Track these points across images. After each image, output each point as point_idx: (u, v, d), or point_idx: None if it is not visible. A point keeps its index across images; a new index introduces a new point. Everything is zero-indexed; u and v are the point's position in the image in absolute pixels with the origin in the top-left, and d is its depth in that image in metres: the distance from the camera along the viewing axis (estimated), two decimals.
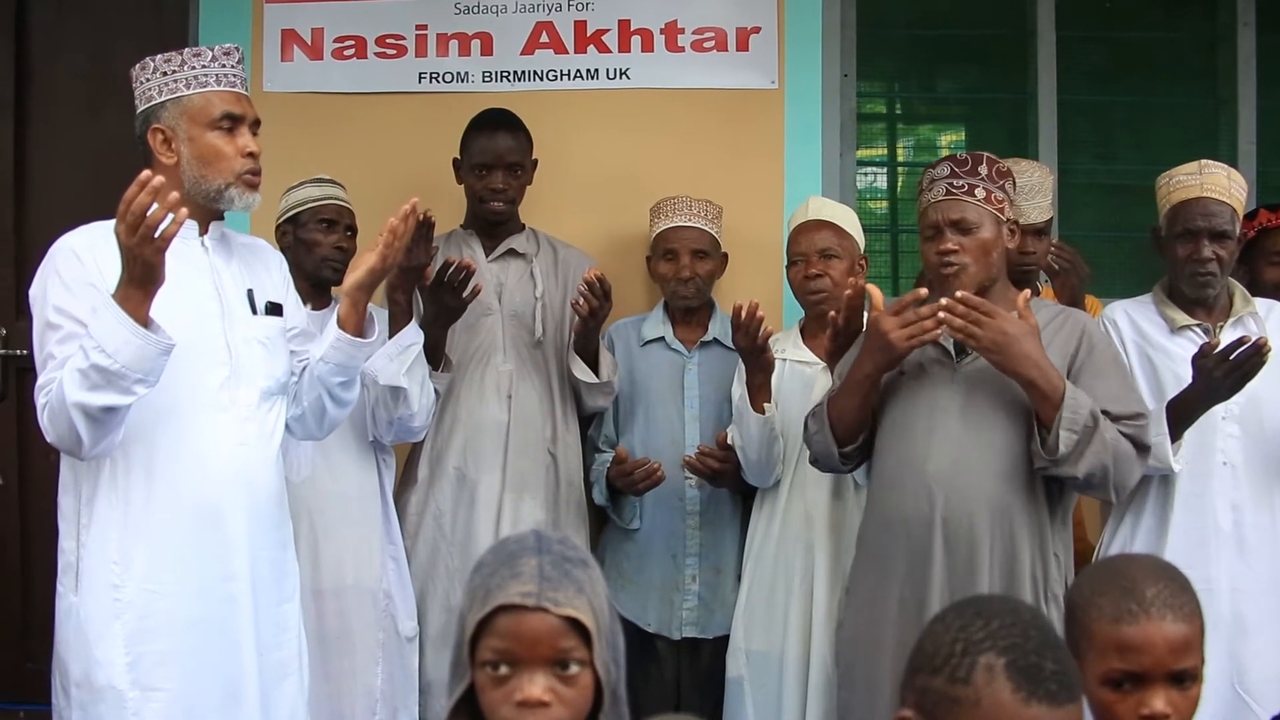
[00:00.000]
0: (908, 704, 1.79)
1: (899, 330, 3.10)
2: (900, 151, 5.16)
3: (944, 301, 3.03)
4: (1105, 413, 3.04)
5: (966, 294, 3.03)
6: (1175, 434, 3.38)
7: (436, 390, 3.73)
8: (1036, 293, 3.62)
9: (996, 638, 1.74)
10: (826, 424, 3.31)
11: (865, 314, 3.32)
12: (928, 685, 1.76)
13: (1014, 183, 3.33)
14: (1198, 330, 3.50)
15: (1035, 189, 3.71)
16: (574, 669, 1.82)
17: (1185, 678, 2.03)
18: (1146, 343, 3.55)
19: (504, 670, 1.81)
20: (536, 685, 1.80)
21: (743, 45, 4.43)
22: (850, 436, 3.30)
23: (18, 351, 4.52)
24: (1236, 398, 3.35)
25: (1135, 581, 2.08)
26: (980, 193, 3.20)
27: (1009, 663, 1.70)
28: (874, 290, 3.19)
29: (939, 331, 3.08)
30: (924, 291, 3.12)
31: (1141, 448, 3.13)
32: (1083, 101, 4.80)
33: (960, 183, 3.21)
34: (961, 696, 1.72)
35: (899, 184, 5.06)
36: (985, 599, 1.98)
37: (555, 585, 1.81)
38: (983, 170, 3.23)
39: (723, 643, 3.85)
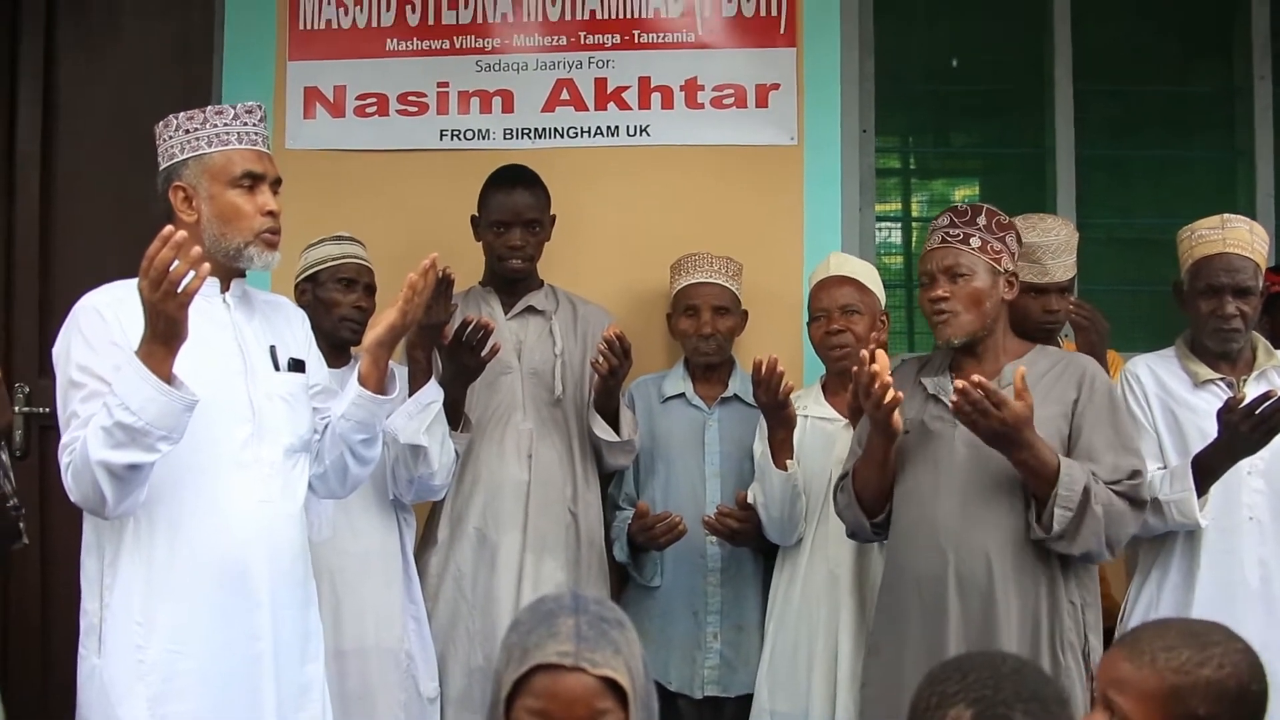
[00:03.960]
0: None
1: (870, 408, 3.13)
2: (915, 207, 5.17)
3: (958, 385, 3.02)
4: (1097, 475, 3.05)
5: (982, 379, 3.02)
6: (1201, 489, 3.36)
7: (456, 450, 3.72)
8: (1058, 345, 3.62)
9: (968, 690, 1.77)
10: (853, 497, 3.33)
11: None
12: None
13: (1017, 236, 3.35)
14: (1221, 384, 3.49)
15: (1061, 247, 3.70)
16: None
17: None
18: (1170, 397, 3.54)
19: None
20: None
21: (762, 101, 4.45)
22: (878, 507, 3.32)
23: (40, 409, 4.53)
24: (1262, 453, 3.34)
25: None
26: (975, 241, 3.22)
27: (975, 714, 1.74)
28: (880, 358, 3.16)
29: (892, 394, 3.10)
30: (876, 367, 3.11)
31: (1137, 504, 3.13)
32: (1100, 155, 4.80)
33: (957, 231, 3.25)
34: None
35: (914, 239, 5.06)
36: (971, 656, 1.97)
37: (593, 646, 1.80)
38: (981, 220, 3.26)
39: (745, 702, 3.82)
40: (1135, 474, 3.12)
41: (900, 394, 3.13)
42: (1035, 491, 3.07)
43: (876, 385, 3.09)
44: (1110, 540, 3.08)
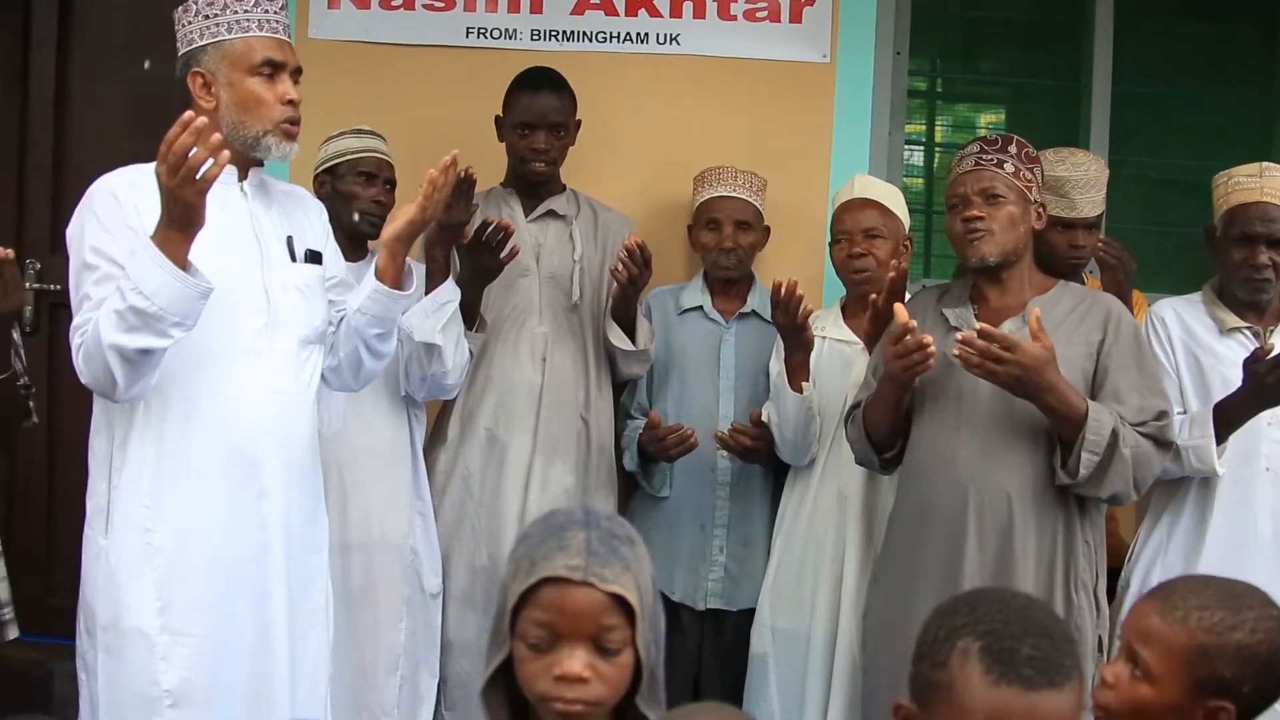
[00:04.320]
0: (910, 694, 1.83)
1: (895, 362, 3.09)
2: (939, 131, 5.10)
3: (960, 336, 2.99)
4: (1123, 417, 3.01)
5: (986, 326, 2.99)
6: (1221, 437, 3.35)
7: (470, 350, 3.70)
8: (1082, 283, 3.58)
9: (976, 623, 1.76)
10: (863, 432, 3.31)
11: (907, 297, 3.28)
12: (916, 672, 1.81)
13: (1042, 169, 3.32)
14: (1248, 334, 3.46)
15: (1090, 182, 3.64)
16: (615, 647, 1.79)
17: None
18: (1195, 343, 3.51)
19: (545, 644, 1.78)
20: (577, 661, 1.77)
21: (796, 17, 4.36)
22: (888, 444, 3.31)
23: (51, 286, 4.52)
24: None
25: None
26: (1009, 168, 3.19)
27: (983, 646, 1.73)
28: (899, 310, 3.10)
29: (933, 362, 3.06)
30: (913, 323, 3.06)
31: (1163, 445, 3.10)
32: (1136, 93, 4.73)
33: (990, 156, 3.21)
34: (939, 680, 1.76)
35: (935, 163, 5.01)
36: (982, 591, 1.97)
37: (603, 561, 1.78)
38: (1012, 149, 3.23)
39: (747, 616, 3.83)
40: (1162, 415, 3.09)
41: (932, 348, 3.07)
42: (1061, 434, 3.03)
43: (916, 352, 3.05)
44: (1137, 482, 3.05)
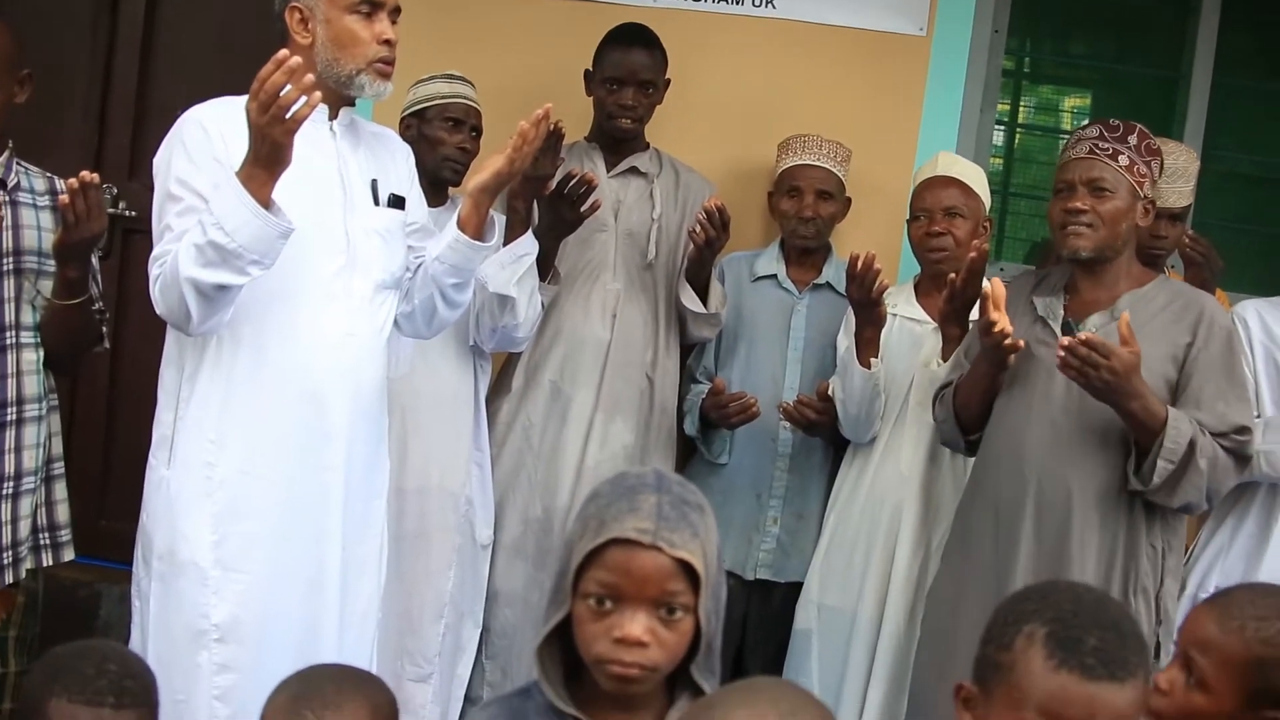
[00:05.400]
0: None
1: (986, 339, 3.06)
2: (1023, 112, 5.02)
3: (1065, 341, 2.92)
4: (1203, 425, 2.95)
5: (1092, 336, 2.91)
6: None
7: (542, 302, 3.69)
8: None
9: (1046, 610, 1.77)
10: (952, 412, 3.28)
11: (985, 281, 3.23)
12: (982, 654, 1.82)
13: (1161, 163, 3.22)
14: None
15: (1179, 173, 3.58)
16: (677, 614, 1.77)
17: None
18: (1276, 346, 3.47)
19: (607, 605, 1.76)
20: (638, 624, 1.75)
21: None
22: (975, 426, 3.27)
23: (128, 213, 4.52)
24: None
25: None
26: (1124, 160, 3.11)
27: (1049, 633, 1.74)
28: (997, 285, 3.07)
29: (1016, 341, 3.04)
30: (1000, 315, 3.03)
31: (1241, 459, 3.03)
32: (1236, 85, 4.62)
33: (1106, 145, 3.12)
34: (1002, 662, 1.77)
35: (1015, 143, 4.94)
36: (1056, 582, 1.99)
37: (672, 526, 1.76)
38: (1132, 140, 3.13)
39: (795, 589, 3.81)
40: (1243, 430, 3.00)
41: (1021, 342, 3.05)
42: (1138, 439, 2.98)
43: (996, 329, 3.02)
44: (1210, 494, 2.99)
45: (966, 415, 3.27)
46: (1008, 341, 3.02)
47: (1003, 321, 3.02)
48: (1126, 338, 2.90)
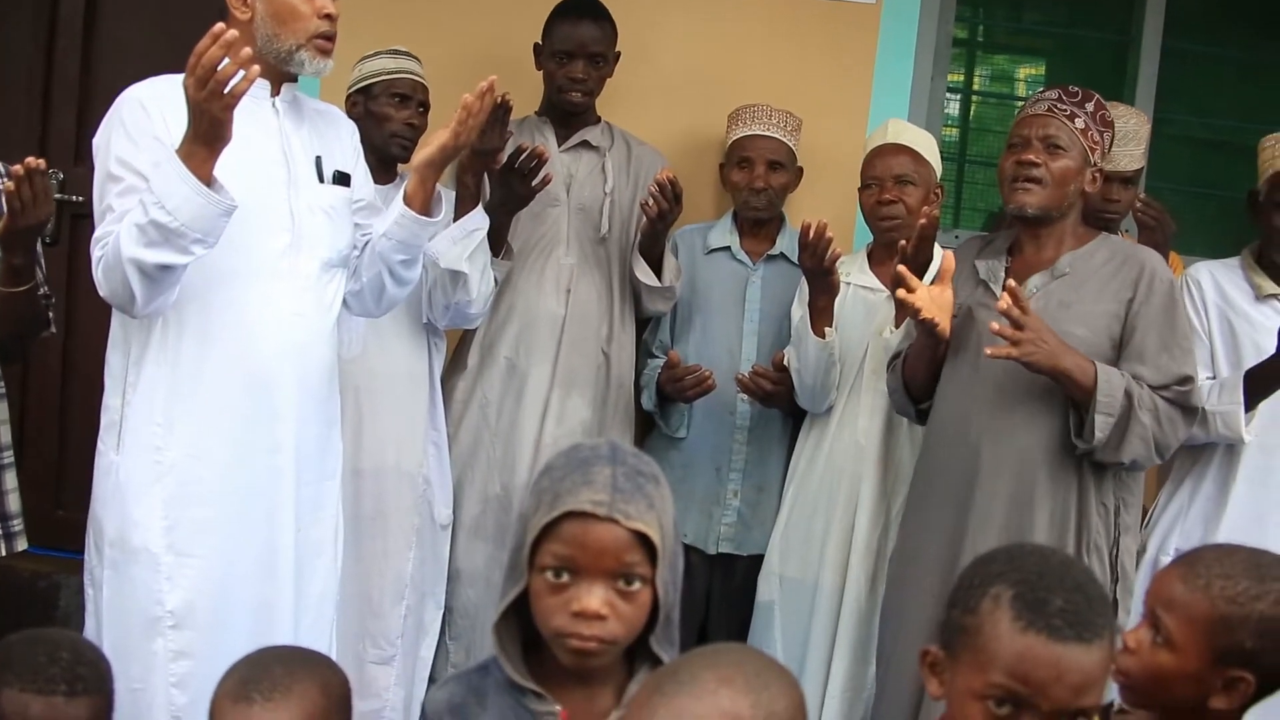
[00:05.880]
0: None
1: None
2: (977, 80, 5.01)
3: (1001, 305, 2.90)
4: (1142, 378, 2.96)
5: (1012, 285, 2.91)
6: (1250, 404, 3.31)
7: (496, 278, 3.66)
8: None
9: (1012, 572, 1.77)
10: (902, 383, 3.29)
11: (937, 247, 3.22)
12: (948, 618, 1.81)
13: (1113, 137, 3.23)
14: None
15: (1130, 136, 3.59)
16: (635, 585, 1.76)
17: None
18: (1229, 307, 3.47)
19: (564, 578, 1.75)
20: (595, 597, 1.74)
21: None
22: (924, 394, 3.28)
23: (74, 198, 4.46)
24: None
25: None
26: (1080, 123, 3.11)
27: (1015, 595, 1.74)
28: (947, 256, 3.08)
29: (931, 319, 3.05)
30: (915, 281, 3.05)
31: (1187, 410, 3.03)
32: (1186, 49, 4.63)
33: (1064, 107, 3.13)
34: (968, 625, 1.77)
35: (971, 112, 4.92)
36: (1023, 545, 1.97)
37: (627, 497, 1.75)
38: (1089, 107, 3.14)
39: (757, 562, 3.80)
40: (1186, 380, 3.01)
41: (936, 318, 3.05)
42: (1075, 399, 2.98)
43: (921, 316, 3.04)
44: (1159, 446, 2.99)
45: (915, 384, 3.28)
46: (922, 316, 3.03)
47: (913, 299, 3.02)
48: (1022, 304, 2.90)
